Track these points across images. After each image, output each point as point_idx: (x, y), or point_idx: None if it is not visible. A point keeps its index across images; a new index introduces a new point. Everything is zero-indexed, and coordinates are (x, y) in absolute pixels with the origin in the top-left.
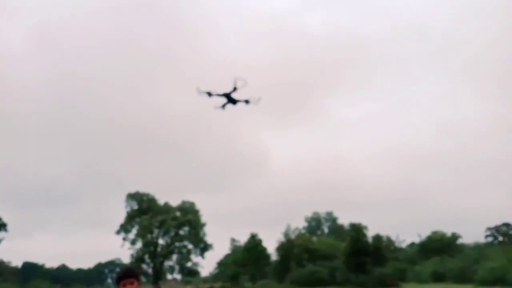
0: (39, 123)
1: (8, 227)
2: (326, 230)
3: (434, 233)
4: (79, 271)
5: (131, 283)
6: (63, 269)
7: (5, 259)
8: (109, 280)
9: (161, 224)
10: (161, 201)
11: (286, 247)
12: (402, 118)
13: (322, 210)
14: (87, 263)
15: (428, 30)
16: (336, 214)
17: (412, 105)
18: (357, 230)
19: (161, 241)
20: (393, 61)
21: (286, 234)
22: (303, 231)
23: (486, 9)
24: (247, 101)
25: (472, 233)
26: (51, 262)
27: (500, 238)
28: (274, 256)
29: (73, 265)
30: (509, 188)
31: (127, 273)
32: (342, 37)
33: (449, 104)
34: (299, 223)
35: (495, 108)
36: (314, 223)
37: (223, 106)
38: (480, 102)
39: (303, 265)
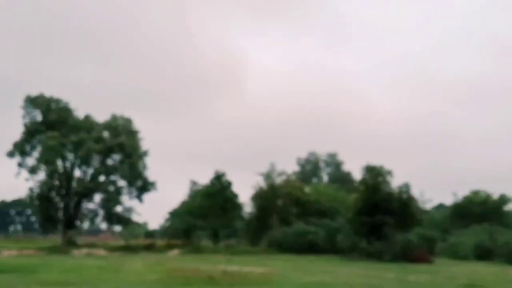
0: None
1: None
2: (325, 178)
3: (474, 193)
4: None
5: None
6: None
7: None
8: (19, 227)
9: (78, 147)
10: (79, 112)
11: (267, 196)
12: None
13: (320, 150)
14: None
15: None
16: (340, 157)
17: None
18: (375, 175)
19: (77, 173)
20: None
21: (268, 178)
22: (293, 177)
23: None
24: None
25: None
26: None
27: None
28: (248, 208)
29: None
30: None
31: None
32: None
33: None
34: (287, 166)
35: None
36: (310, 167)
37: None
38: None
39: (289, 222)
